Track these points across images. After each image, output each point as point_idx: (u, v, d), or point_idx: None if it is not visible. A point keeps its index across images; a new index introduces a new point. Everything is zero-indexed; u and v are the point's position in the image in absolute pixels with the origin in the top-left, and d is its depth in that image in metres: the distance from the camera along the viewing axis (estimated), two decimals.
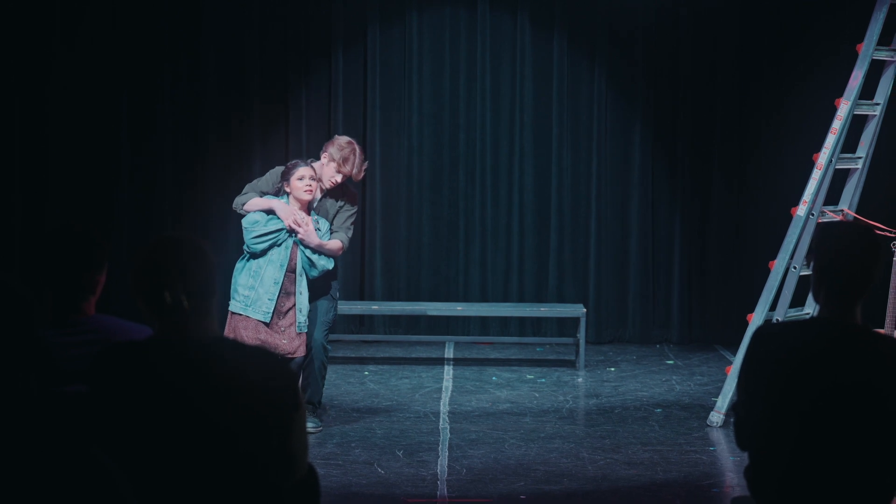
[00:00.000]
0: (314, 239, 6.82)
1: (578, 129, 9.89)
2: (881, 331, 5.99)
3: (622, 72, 9.86)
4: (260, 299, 6.73)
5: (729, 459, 6.64)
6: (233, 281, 6.83)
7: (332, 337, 9.06)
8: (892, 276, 6.61)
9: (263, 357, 3.00)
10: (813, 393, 3.23)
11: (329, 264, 6.91)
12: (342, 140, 7.00)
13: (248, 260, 6.82)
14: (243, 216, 6.88)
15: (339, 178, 6.94)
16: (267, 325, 6.73)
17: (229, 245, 9.60)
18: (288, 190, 6.81)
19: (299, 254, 6.81)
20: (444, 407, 7.71)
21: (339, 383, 8.33)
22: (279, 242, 6.77)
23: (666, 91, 9.86)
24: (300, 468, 3.02)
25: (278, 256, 6.77)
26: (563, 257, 9.93)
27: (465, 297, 9.87)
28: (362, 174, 7.05)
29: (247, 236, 6.78)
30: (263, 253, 6.77)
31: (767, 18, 9.72)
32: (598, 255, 9.91)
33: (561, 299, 9.85)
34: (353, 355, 9.34)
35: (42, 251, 3.62)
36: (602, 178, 9.90)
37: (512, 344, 9.82)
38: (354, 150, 6.94)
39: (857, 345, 3.27)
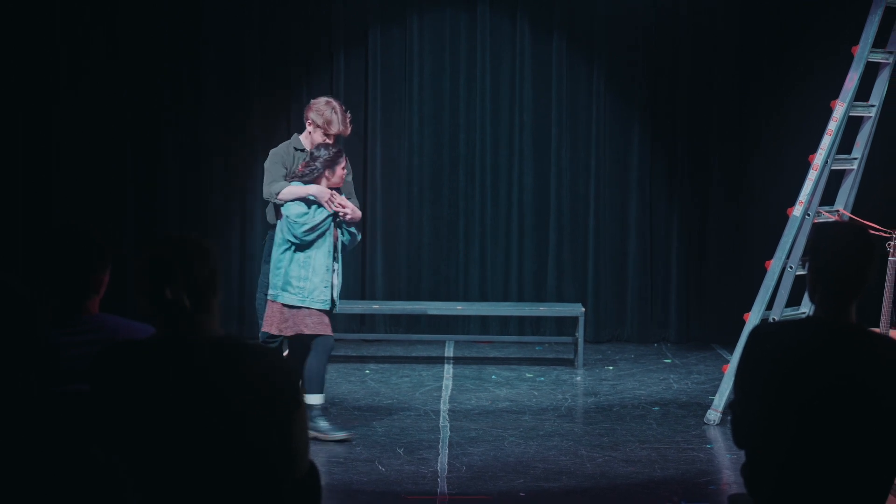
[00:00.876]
0: (358, 213, 6.79)
1: (577, 130, 9.90)
2: (876, 330, 6.02)
3: (621, 72, 9.87)
4: (316, 289, 6.63)
5: (726, 457, 6.67)
6: (282, 274, 6.65)
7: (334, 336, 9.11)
8: (888, 275, 6.64)
9: (265, 355, 3.03)
10: (809, 391, 3.25)
11: (360, 234, 6.98)
12: (319, 103, 6.80)
13: (293, 251, 6.65)
14: (279, 204, 6.70)
15: (329, 142, 6.76)
16: (327, 312, 6.67)
17: (232, 244, 9.64)
18: (329, 177, 6.67)
19: (341, 233, 6.77)
20: (444, 405, 7.73)
21: (341, 382, 8.36)
22: (325, 230, 6.70)
23: (665, 91, 9.87)
24: (302, 466, 3.05)
25: (325, 242, 6.68)
26: (562, 257, 9.94)
27: (465, 297, 9.88)
28: (349, 128, 6.86)
29: (296, 230, 6.60)
30: (311, 243, 6.68)
31: (767, 18, 9.72)
32: (596, 255, 9.93)
33: (560, 299, 9.86)
34: (354, 354, 9.37)
35: (45, 251, 3.62)
36: (601, 179, 9.91)
37: (511, 343, 9.84)
38: (334, 107, 6.75)
39: (852, 344, 3.30)
